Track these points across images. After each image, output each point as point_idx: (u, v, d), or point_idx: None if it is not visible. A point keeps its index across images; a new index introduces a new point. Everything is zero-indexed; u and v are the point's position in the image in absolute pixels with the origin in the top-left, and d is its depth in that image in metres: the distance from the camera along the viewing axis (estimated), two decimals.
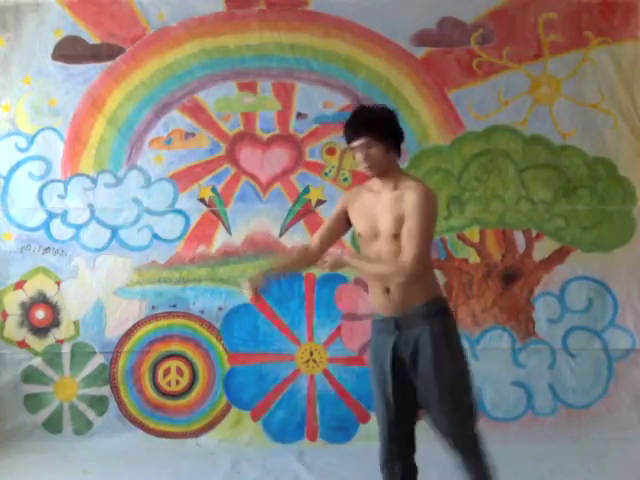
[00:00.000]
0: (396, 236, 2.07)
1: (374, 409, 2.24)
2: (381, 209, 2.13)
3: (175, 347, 3.46)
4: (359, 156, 2.11)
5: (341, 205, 2.27)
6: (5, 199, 3.48)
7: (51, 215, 3.47)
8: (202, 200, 3.45)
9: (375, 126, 2.08)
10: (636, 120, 3.39)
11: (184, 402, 3.46)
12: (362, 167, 2.13)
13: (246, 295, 2.19)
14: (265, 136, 3.46)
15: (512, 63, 3.41)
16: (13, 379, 3.44)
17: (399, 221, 2.06)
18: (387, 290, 2.12)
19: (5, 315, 3.47)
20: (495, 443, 3.22)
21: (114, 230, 3.46)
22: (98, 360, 3.44)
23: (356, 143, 2.09)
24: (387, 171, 2.12)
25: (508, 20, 3.40)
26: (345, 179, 3.43)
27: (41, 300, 3.46)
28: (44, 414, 3.44)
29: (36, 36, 3.47)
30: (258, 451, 2.96)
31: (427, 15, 3.40)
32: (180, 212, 3.45)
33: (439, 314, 2.14)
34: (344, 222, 2.27)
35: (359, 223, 2.19)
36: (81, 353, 3.44)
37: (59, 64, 3.47)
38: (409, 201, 2.05)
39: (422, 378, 2.09)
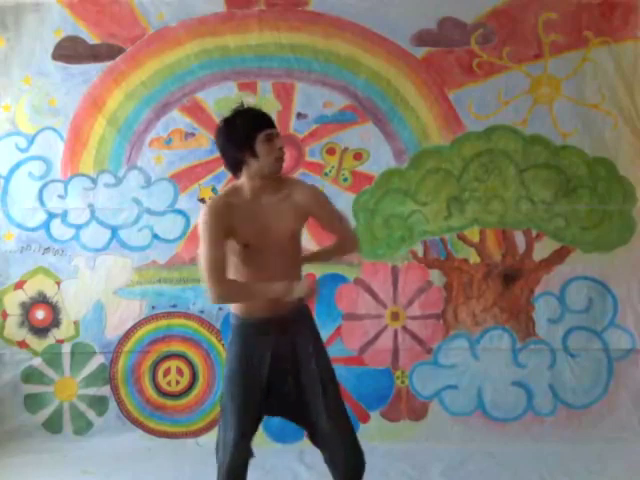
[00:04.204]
0: (294, 236, 2.11)
1: (231, 409, 2.17)
2: (271, 212, 2.04)
3: (175, 347, 3.46)
4: (278, 142, 2.02)
5: (219, 224, 1.98)
6: (5, 199, 3.48)
7: (51, 215, 3.47)
8: (202, 200, 3.45)
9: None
10: (636, 120, 3.38)
11: (184, 402, 3.46)
12: (273, 157, 2.00)
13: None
14: None
15: (512, 63, 3.41)
16: (13, 379, 3.44)
17: (300, 217, 2.09)
18: None
19: (5, 315, 3.47)
20: (495, 443, 3.27)
21: (114, 230, 3.46)
22: (98, 360, 3.44)
23: (275, 131, 2.03)
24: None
25: (508, 20, 3.40)
26: (345, 179, 3.43)
27: (41, 300, 3.47)
28: (44, 414, 3.44)
29: (36, 36, 3.46)
30: (258, 451, 2.95)
31: (427, 15, 3.40)
32: (180, 212, 3.45)
33: (307, 310, 2.22)
34: (225, 241, 2.02)
35: (247, 233, 2.01)
36: (81, 353, 3.44)
37: (59, 64, 3.46)
38: (309, 194, 2.10)
39: (307, 374, 2.12)
